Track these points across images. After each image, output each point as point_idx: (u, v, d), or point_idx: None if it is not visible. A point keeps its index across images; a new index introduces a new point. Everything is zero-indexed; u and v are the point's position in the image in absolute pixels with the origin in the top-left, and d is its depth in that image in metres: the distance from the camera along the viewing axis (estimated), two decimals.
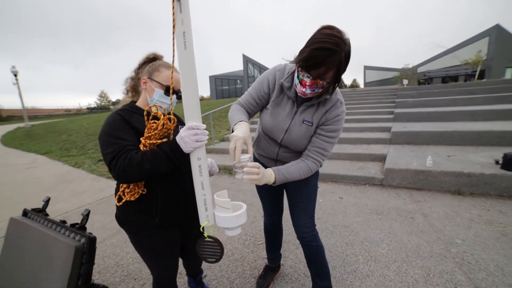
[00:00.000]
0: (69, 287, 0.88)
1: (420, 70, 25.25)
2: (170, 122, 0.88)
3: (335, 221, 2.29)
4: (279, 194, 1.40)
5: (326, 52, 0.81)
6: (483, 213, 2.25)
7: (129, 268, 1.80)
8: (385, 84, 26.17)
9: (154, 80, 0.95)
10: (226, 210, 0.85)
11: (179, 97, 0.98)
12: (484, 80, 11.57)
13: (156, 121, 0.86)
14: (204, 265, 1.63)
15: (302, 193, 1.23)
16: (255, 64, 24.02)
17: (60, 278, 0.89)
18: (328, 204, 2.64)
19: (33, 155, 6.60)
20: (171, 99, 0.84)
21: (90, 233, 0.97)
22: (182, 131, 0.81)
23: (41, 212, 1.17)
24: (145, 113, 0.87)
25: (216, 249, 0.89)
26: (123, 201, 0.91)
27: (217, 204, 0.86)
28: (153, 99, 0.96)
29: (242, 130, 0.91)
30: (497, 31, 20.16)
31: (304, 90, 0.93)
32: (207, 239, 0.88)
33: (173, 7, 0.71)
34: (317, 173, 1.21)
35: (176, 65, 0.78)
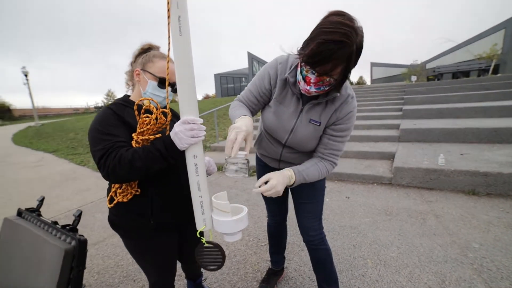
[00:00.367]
0: None
1: (429, 66, 24.43)
2: (164, 116, 0.81)
3: (342, 221, 2.20)
4: (283, 194, 1.31)
5: (334, 46, 0.68)
6: (503, 215, 2.11)
7: (129, 268, 1.75)
8: (392, 81, 25.51)
9: (147, 72, 0.89)
10: (225, 214, 0.77)
11: (174, 90, 0.90)
12: (498, 75, 11.08)
13: (149, 115, 0.79)
14: None
15: (309, 193, 1.14)
16: (260, 61, 23.82)
17: (49, 282, 0.84)
18: (335, 204, 2.55)
19: (41, 153, 6.71)
20: (167, 91, 0.77)
21: (81, 235, 0.91)
22: (177, 126, 0.73)
23: (34, 212, 1.13)
24: (135, 106, 0.80)
25: (217, 255, 0.82)
26: (115, 202, 0.85)
27: (215, 207, 0.79)
28: (146, 91, 0.89)
29: (245, 123, 0.80)
30: None
31: (308, 88, 0.82)
32: (206, 245, 0.81)
33: None
34: None
35: (172, 55, 0.70)
